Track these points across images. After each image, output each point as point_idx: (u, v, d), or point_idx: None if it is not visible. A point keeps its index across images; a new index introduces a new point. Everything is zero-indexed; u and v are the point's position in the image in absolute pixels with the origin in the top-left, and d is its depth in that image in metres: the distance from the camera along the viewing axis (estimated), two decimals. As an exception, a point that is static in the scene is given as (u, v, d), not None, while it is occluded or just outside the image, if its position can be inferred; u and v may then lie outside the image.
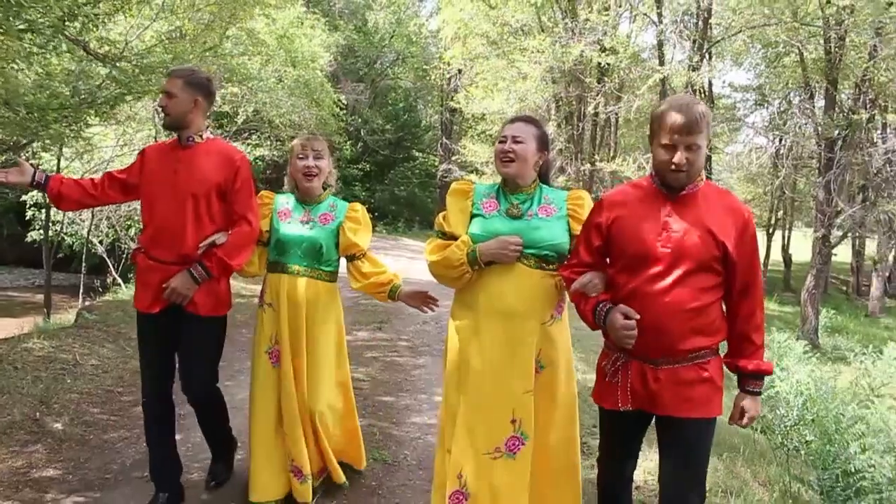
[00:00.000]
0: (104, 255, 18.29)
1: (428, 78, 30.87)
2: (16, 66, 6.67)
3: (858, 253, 27.97)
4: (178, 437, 3.96)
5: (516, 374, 2.98)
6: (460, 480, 3.00)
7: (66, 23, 6.99)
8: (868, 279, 26.26)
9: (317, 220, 3.65)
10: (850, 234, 18.59)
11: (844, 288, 30.47)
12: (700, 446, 2.73)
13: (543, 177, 3.23)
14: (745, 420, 2.75)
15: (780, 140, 19.99)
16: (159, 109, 3.63)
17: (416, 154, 33.83)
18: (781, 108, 21.82)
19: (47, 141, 8.71)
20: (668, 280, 2.61)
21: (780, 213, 27.93)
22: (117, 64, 8.28)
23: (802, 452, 4.22)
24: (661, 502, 2.80)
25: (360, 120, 30.59)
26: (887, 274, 25.28)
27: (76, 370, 5.81)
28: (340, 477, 3.78)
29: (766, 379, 3.03)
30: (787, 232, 28.83)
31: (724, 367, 2.78)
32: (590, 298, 2.80)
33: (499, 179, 3.23)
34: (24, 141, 8.61)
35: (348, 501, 3.84)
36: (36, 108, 7.08)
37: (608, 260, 2.86)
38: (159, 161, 3.55)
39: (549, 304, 3.05)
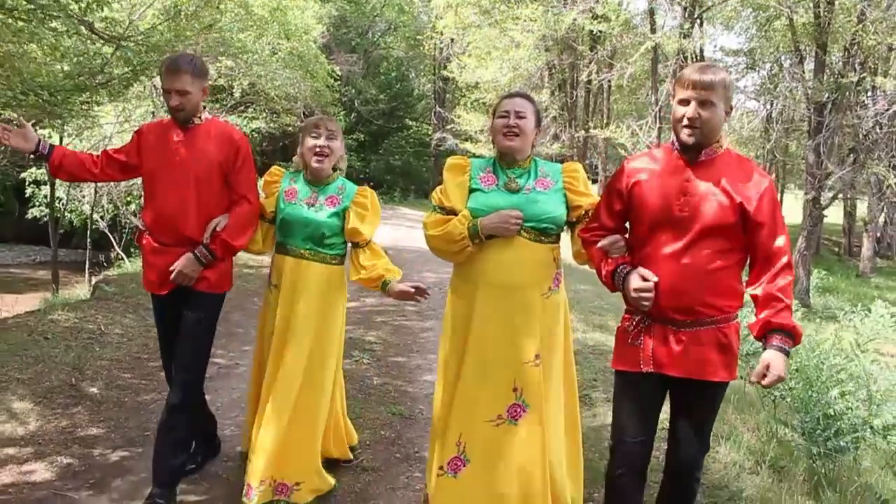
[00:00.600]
0: (106, 231, 18.51)
1: (420, 47, 30.95)
2: (35, 49, 6.90)
3: (850, 215, 28.30)
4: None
5: (517, 344, 3.02)
6: (458, 447, 3.06)
7: (71, 2, 7.19)
8: (860, 240, 26.59)
9: (323, 202, 3.59)
10: (840, 196, 18.90)
11: (836, 249, 30.83)
12: (714, 409, 2.82)
13: None
14: (768, 379, 2.57)
15: (772, 104, 20.21)
16: (162, 101, 3.57)
17: (410, 123, 33.94)
18: (773, 72, 22.04)
19: (60, 119, 8.89)
20: (687, 242, 2.66)
21: (773, 176, 28.18)
22: (121, 43, 8.48)
23: (787, 400, 4.56)
24: (672, 459, 2.87)
25: (353, 90, 30.66)
26: (878, 234, 25.66)
27: (102, 339, 6.13)
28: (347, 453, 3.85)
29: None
30: (779, 195, 29.11)
31: (745, 331, 2.83)
32: (610, 261, 2.84)
33: (493, 152, 3.29)
34: (43, 120, 8.87)
35: (372, 452, 4.17)
36: (55, 89, 7.33)
37: (628, 225, 2.91)
38: (159, 142, 3.52)
39: (547, 275, 3.10)
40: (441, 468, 3.10)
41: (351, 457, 3.99)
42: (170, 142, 3.48)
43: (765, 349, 2.61)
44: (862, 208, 27.78)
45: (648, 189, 2.76)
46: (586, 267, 3.14)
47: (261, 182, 3.72)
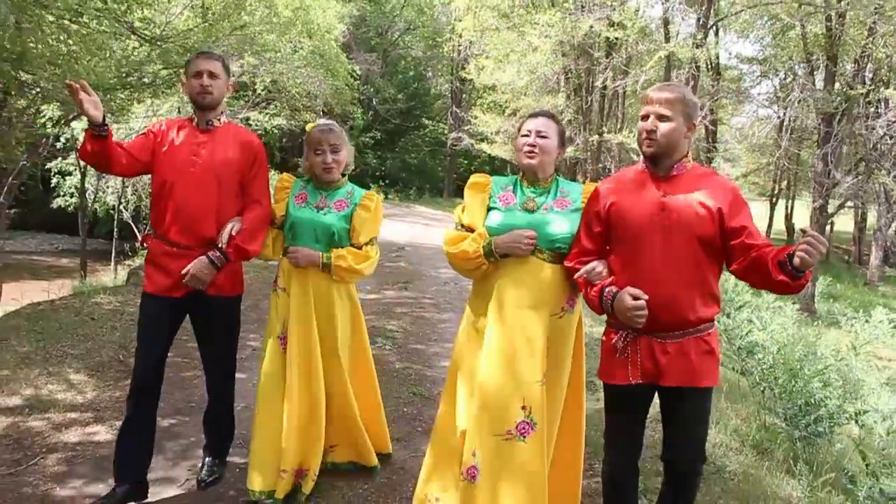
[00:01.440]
0: (130, 221, 19.05)
1: (439, 48, 31.37)
2: (83, 50, 7.41)
3: (860, 224, 28.53)
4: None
5: (526, 364, 3.04)
6: (474, 458, 3.10)
7: (114, 5, 7.69)
8: (869, 249, 26.83)
9: (332, 206, 3.63)
10: (849, 205, 19.20)
11: (846, 257, 31.08)
12: (704, 414, 2.91)
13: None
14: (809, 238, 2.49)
15: (785, 112, 20.55)
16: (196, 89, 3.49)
17: (427, 122, 34.39)
18: (787, 80, 22.36)
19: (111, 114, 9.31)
20: (671, 256, 2.75)
21: (784, 183, 28.45)
22: (159, 44, 8.98)
23: (775, 390, 4.97)
24: (671, 469, 2.98)
25: (371, 89, 31.10)
26: (888, 243, 25.90)
27: (143, 321, 6.61)
28: (309, 484, 3.66)
29: (745, 329, 3.51)
30: (790, 202, 29.35)
31: (738, 331, 3.00)
32: (595, 285, 2.90)
33: (512, 156, 3.56)
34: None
35: (397, 425, 4.62)
36: (101, 87, 7.84)
37: (608, 246, 2.98)
38: (177, 143, 3.51)
39: (561, 296, 3.12)
40: (462, 475, 3.15)
41: (389, 449, 4.16)
42: (189, 144, 3.51)
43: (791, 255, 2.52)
44: (872, 218, 27.98)
45: (626, 208, 2.86)
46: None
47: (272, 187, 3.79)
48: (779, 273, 2.58)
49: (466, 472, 3.13)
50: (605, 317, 2.97)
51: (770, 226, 27.34)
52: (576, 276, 2.95)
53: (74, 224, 23.87)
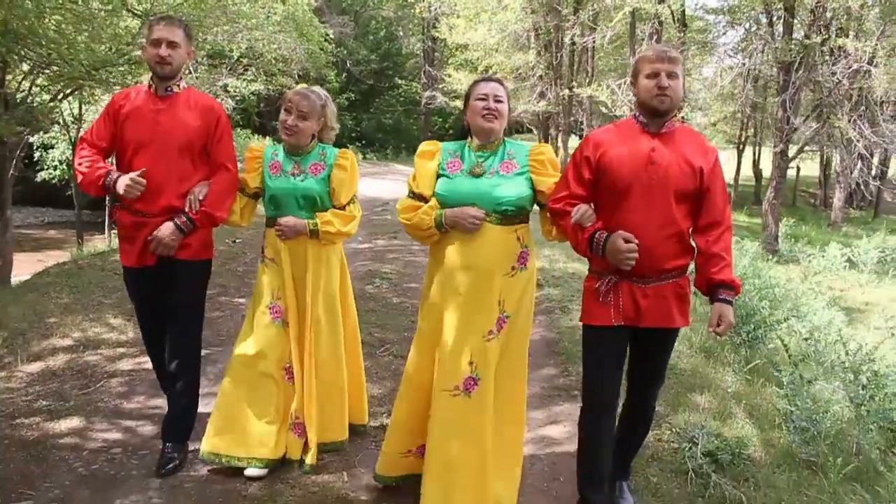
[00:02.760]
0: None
1: (410, 8, 31.64)
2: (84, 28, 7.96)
3: (825, 168, 29.47)
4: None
5: (477, 322, 3.16)
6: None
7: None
8: (834, 192, 27.77)
9: (307, 170, 3.62)
10: (809, 149, 20.06)
11: (813, 201, 32.13)
12: (670, 350, 3.22)
13: None
14: (722, 327, 2.97)
15: (748, 61, 21.27)
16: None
17: (400, 82, 34.69)
18: (753, 30, 23.04)
19: (101, 87, 9.81)
20: (653, 207, 2.91)
21: (751, 131, 29.24)
22: (150, 18, 9.48)
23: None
24: (631, 400, 3.27)
25: (345, 51, 31.39)
26: (853, 186, 26.81)
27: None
28: (312, 457, 3.66)
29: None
30: (757, 148, 30.14)
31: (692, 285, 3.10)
32: (585, 228, 3.00)
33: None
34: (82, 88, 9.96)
35: (399, 347, 5.37)
36: (99, 65, 8.42)
37: (596, 193, 3.09)
38: (137, 112, 3.49)
39: (510, 256, 3.20)
40: (408, 451, 3.38)
41: (366, 421, 4.15)
42: (148, 111, 3.48)
43: (713, 302, 2.97)
44: (837, 162, 28.90)
45: (617, 158, 2.99)
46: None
47: (241, 158, 3.81)
48: (702, 286, 3.01)
49: (417, 450, 3.35)
50: (576, 256, 3.35)
51: (738, 172, 28.19)
52: (571, 219, 3.03)
53: (59, 197, 24.18)
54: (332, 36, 25.51)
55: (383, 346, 5.49)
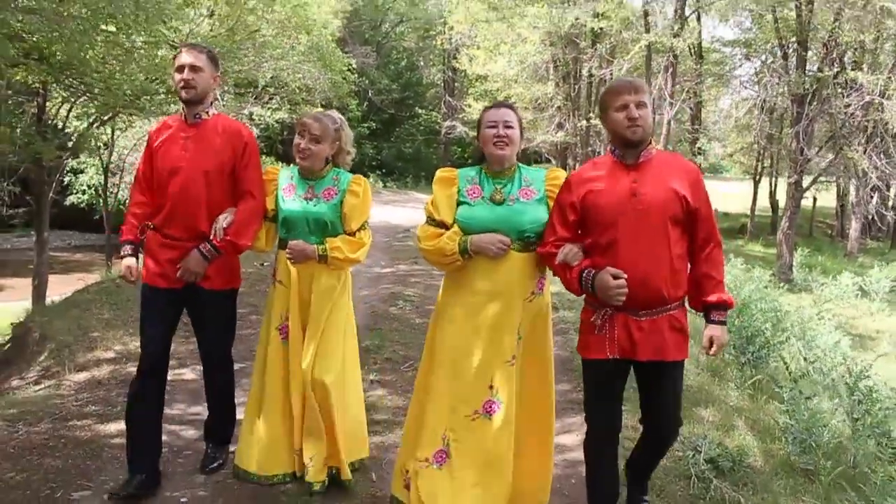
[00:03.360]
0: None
1: (431, 39, 32.29)
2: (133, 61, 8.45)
3: (842, 198, 29.58)
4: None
5: (497, 348, 3.19)
6: (444, 441, 3.23)
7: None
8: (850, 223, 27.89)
9: (321, 195, 3.62)
10: (823, 180, 20.31)
11: (830, 231, 32.24)
12: (677, 384, 3.13)
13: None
14: (714, 349, 3.05)
15: (763, 93, 21.63)
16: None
17: (420, 112, 35.30)
18: (768, 62, 23.42)
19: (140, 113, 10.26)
20: (643, 239, 2.92)
21: (767, 162, 29.47)
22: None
23: (731, 330, 6.10)
24: (650, 434, 3.26)
25: (366, 81, 32.02)
26: (869, 217, 26.95)
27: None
28: (347, 474, 3.69)
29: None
30: (773, 179, 30.35)
31: (688, 309, 3.11)
32: (573, 267, 3.02)
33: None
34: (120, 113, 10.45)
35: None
36: (138, 93, 8.90)
37: (581, 232, 3.12)
38: (168, 140, 3.56)
39: (531, 282, 3.24)
40: (427, 459, 3.25)
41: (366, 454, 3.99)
42: (179, 138, 3.54)
43: (707, 322, 3.02)
44: (853, 193, 29.01)
45: (599, 196, 3.01)
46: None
47: None
48: (696, 306, 3.08)
49: (434, 457, 3.24)
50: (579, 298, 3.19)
51: (754, 202, 28.40)
52: (556, 260, 3.06)
53: (86, 220, 24.77)
54: (354, 66, 26.14)
55: (407, 363, 5.82)
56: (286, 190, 3.67)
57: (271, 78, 20.25)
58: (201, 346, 3.85)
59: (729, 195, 32.42)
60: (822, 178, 20.76)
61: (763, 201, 30.07)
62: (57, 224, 27.84)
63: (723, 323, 3.03)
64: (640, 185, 2.95)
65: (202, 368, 3.99)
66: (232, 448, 4.01)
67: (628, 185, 2.96)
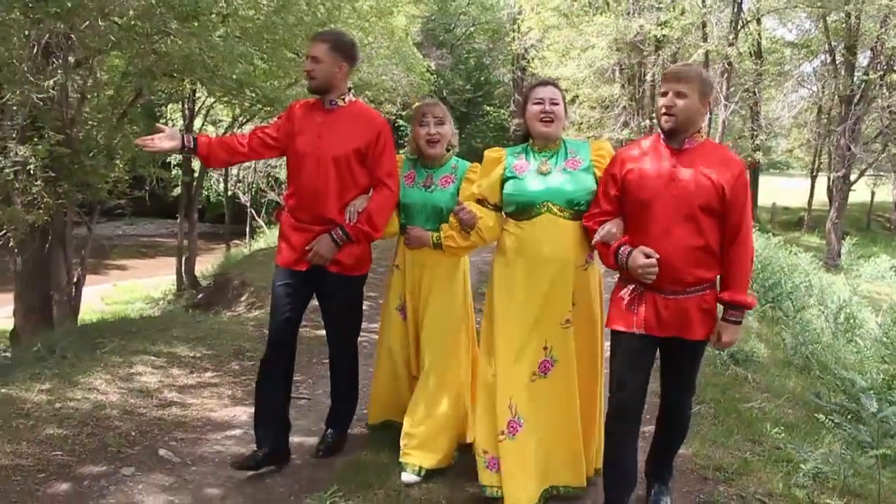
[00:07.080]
0: (247, 205, 21.78)
1: (501, 41, 33.89)
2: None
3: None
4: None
5: (552, 311, 3.26)
6: (511, 410, 3.25)
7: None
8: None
9: (438, 183, 3.65)
10: (870, 174, 21.62)
11: (889, 225, 32.93)
12: (697, 361, 3.22)
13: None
14: (719, 345, 3.06)
15: (816, 92, 22.99)
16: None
17: (489, 109, 37.01)
18: (826, 62, 24.70)
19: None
20: (676, 222, 2.93)
21: (825, 158, 30.39)
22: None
23: (756, 281, 7.96)
24: (664, 405, 3.35)
25: (442, 81, 33.84)
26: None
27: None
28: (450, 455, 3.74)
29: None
30: (830, 175, 31.13)
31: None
32: (611, 245, 3.06)
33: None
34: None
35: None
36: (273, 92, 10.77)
37: (623, 208, 3.13)
38: (305, 124, 3.56)
39: (583, 249, 3.28)
40: (501, 433, 3.25)
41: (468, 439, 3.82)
42: (314, 123, 3.55)
43: (722, 317, 3.03)
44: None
45: (640, 176, 3.03)
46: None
47: None
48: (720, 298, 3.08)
49: (508, 429, 3.26)
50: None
51: (811, 197, 29.38)
52: (594, 239, 3.13)
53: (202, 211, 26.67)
54: (433, 67, 27.96)
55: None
56: (407, 177, 3.76)
57: (358, 79, 22.18)
58: (327, 330, 3.89)
59: (792, 190, 33.24)
60: (880, 174, 22.08)
61: (822, 196, 30.91)
62: (162, 213, 30.42)
63: (735, 322, 3.05)
64: (680, 171, 2.98)
65: (329, 350, 3.99)
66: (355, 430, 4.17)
67: (668, 170, 3.00)
